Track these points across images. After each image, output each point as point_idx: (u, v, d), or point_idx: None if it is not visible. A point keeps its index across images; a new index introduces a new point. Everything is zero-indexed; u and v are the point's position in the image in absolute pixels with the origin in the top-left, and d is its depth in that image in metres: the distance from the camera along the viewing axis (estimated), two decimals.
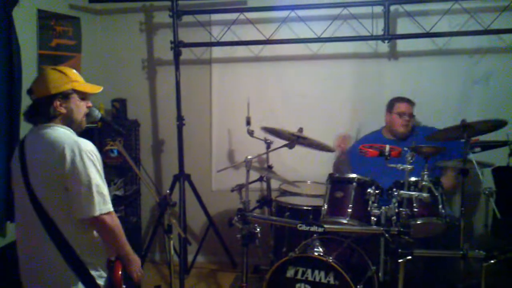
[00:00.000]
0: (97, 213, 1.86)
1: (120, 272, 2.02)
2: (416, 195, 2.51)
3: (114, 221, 1.94)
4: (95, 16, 3.97)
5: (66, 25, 3.52)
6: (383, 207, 2.70)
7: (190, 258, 3.89)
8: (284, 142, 2.97)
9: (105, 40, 4.02)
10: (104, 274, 2.00)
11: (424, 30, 3.37)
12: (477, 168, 2.53)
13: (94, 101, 2.13)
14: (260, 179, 3.61)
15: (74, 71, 2.03)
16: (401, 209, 2.57)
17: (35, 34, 3.19)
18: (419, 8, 3.48)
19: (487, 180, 3.04)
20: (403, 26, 3.55)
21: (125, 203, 3.83)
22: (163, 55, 3.94)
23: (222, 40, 3.70)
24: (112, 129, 2.27)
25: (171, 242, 2.34)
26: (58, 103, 1.93)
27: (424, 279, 3.17)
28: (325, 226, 2.39)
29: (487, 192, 2.59)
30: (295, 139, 2.91)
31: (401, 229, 2.28)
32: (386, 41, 3.45)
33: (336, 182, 2.98)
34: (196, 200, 3.77)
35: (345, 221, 2.80)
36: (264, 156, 3.55)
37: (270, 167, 3.55)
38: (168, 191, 2.47)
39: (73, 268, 1.90)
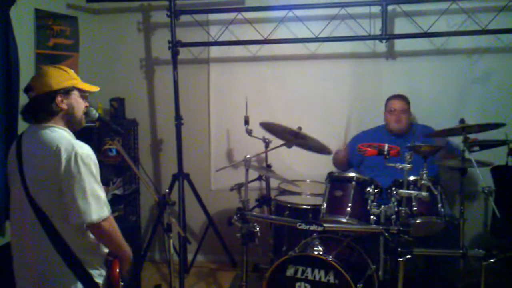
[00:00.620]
0: (93, 219, 1.83)
1: (117, 270, 2.02)
2: (416, 194, 2.51)
3: (111, 226, 1.91)
4: (93, 16, 3.96)
5: (63, 24, 3.51)
6: (382, 206, 2.71)
7: (189, 257, 3.89)
8: (283, 141, 2.97)
9: (103, 39, 4.01)
10: (103, 272, 1.99)
11: (422, 30, 3.38)
12: (476, 167, 2.53)
13: (92, 101, 2.13)
14: (259, 178, 3.60)
15: (72, 70, 2.03)
16: (400, 208, 2.58)
17: (32, 34, 3.18)
18: (416, 8, 3.49)
19: (486, 179, 3.05)
20: (400, 26, 3.56)
21: (124, 202, 3.82)
22: (161, 55, 3.94)
23: (220, 39, 3.69)
24: (110, 129, 2.25)
25: (171, 241, 2.34)
26: (60, 98, 1.92)
27: (424, 278, 3.19)
28: (325, 225, 2.40)
29: (486, 191, 2.60)
30: (293, 139, 2.92)
31: (401, 228, 2.29)
32: (384, 41, 3.46)
33: (335, 181, 2.99)
34: (196, 199, 3.76)
35: (344, 220, 2.81)
36: (263, 155, 3.55)
37: (269, 166, 3.55)
38: (167, 190, 2.46)
39: (71, 267, 1.88)
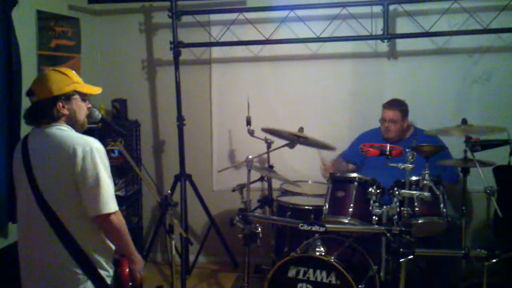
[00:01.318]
0: (104, 211, 1.88)
1: (127, 270, 2.04)
2: (418, 194, 2.51)
3: (120, 220, 1.96)
4: (95, 17, 3.97)
5: (65, 25, 3.52)
6: (384, 207, 2.71)
7: (191, 258, 3.89)
8: (285, 141, 2.97)
9: (104, 40, 4.02)
10: (112, 273, 2.00)
11: (424, 30, 3.37)
12: (478, 167, 2.52)
13: (94, 102, 2.12)
14: (261, 179, 3.60)
15: (74, 72, 2.03)
16: (402, 208, 2.58)
17: (34, 35, 3.19)
18: (418, 7, 3.48)
19: (488, 179, 3.04)
20: (402, 25, 3.55)
21: (126, 203, 3.83)
22: (162, 56, 3.94)
23: (222, 40, 3.69)
24: (112, 130, 2.27)
25: (173, 242, 2.34)
26: (60, 104, 1.92)
27: (426, 278, 3.18)
28: (327, 225, 2.40)
29: (488, 191, 2.59)
30: (295, 139, 2.91)
31: (403, 229, 2.28)
32: (386, 41, 3.46)
33: (337, 181, 2.98)
34: (197, 200, 3.77)
35: (346, 221, 2.81)
36: (265, 155, 3.55)
37: (271, 166, 3.55)
38: (169, 191, 2.47)
39: (82, 267, 1.90)
